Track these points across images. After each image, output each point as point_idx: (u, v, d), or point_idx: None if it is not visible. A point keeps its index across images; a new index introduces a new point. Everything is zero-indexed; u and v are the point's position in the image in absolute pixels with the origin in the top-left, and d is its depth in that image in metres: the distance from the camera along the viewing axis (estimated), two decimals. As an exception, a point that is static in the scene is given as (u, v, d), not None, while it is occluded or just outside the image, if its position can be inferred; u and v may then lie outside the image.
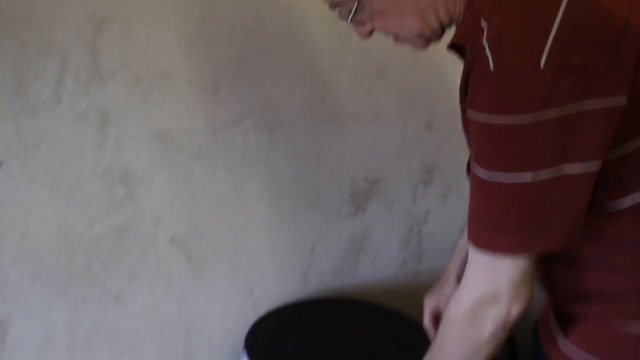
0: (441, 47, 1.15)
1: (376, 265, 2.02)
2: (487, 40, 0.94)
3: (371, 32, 1.13)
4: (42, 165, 1.51)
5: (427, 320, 1.50)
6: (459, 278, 1.45)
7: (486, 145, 0.98)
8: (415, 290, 2.03)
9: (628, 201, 1.01)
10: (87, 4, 1.44)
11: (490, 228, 1.00)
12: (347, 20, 1.10)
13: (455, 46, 1.09)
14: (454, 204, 2.05)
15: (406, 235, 2.03)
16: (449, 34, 1.10)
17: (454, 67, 1.19)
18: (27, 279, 1.58)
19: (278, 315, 1.82)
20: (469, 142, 1.07)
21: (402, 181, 1.96)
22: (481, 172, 0.98)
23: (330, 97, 1.76)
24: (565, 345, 1.14)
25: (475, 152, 1.00)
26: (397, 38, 1.13)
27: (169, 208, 1.68)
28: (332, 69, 1.73)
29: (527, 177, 0.94)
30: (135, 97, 1.55)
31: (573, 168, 0.94)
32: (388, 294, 2.08)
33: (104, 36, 1.47)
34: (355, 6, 1.07)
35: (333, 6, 1.11)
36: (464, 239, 1.46)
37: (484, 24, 0.97)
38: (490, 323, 1.05)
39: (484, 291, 1.04)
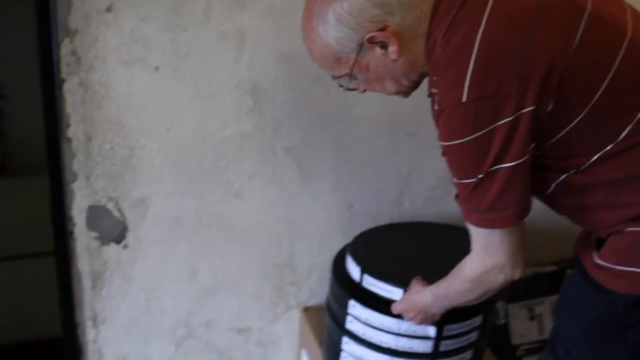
0: None
1: (464, 196, 2.24)
2: (436, 87, 1.31)
3: (363, 90, 1.47)
4: (189, 72, 1.83)
5: None
6: None
7: (449, 162, 1.34)
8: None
9: (592, 158, 1.33)
10: (237, -60, 1.73)
11: (474, 211, 1.35)
12: (345, 88, 1.45)
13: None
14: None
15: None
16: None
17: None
18: (167, 166, 1.92)
19: (375, 232, 2.06)
20: None
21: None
22: (455, 181, 1.36)
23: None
24: (596, 257, 1.44)
25: (451, 168, 1.36)
26: (384, 93, 1.47)
27: (287, 120, 1.96)
28: None
29: (479, 177, 1.30)
30: (268, 22, 1.83)
31: (508, 165, 1.28)
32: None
33: (248, -31, 1.77)
34: (348, 79, 1.41)
35: (333, 78, 1.44)
36: None
37: (434, 78, 1.32)
38: (494, 287, 1.44)
39: (488, 262, 1.40)
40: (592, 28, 1.26)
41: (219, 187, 1.99)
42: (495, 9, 1.25)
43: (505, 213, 1.33)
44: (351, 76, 1.40)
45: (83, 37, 1.70)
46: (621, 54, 1.28)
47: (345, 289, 1.84)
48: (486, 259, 1.40)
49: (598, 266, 1.42)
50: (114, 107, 1.81)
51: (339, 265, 1.94)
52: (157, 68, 1.80)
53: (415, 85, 1.43)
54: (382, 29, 1.30)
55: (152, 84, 1.81)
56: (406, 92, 1.46)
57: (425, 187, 2.19)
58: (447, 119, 1.28)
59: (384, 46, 1.33)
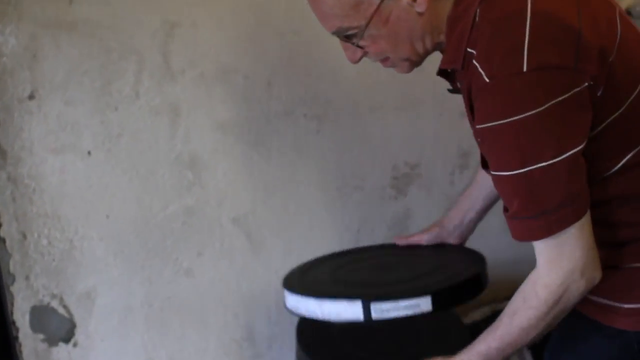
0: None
1: (417, 243, 2.21)
2: (477, 60, 1.13)
3: (361, 57, 1.29)
4: (123, 153, 1.75)
5: (418, 237, 1.67)
6: (456, 216, 1.64)
7: (500, 150, 1.14)
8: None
9: (616, 166, 1.21)
10: (160, 12, 1.67)
11: (542, 215, 1.14)
12: (353, 43, 1.24)
13: (443, 71, 1.29)
14: (488, 188, 2.23)
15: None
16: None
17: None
18: (111, 254, 1.81)
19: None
20: (480, 147, 1.28)
21: (439, 165, 2.15)
22: (507, 174, 1.14)
23: (372, 88, 1.97)
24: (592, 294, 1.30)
25: (492, 159, 1.17)
26: (385, 61, 1.31)
27: (231, 191, 1.90)
28: (372, 62, 1.93)
29: (547, 163, 1.11)
30: (200, 92, 1.77)
31: (576, 149, 1.13)
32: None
33: (174, 39, 1.71)
34: (359, 35, 1.22)
35: (339, 33, 1.24)
36: (465, 194, 1.64)
37: (470, 50, 1.16)
38: (578, 295, 1.20)
39: (565, 268, 1.18)
40: (625, 28, 1.20)
41: (167, 268, 1.89)
42: None
43: (579, 203, 1.15)
44: (365, 29, 1.21)
45: (6, 129, 1.61)
46: None
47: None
48: (563, 264, 1.18)
49: (597, 304, 1.30)
50: (47, 199, 1.70)
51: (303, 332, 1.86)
52: (89, 153, 1.71)
53: (425, 54, 1.28)
54: None
55: (86, 169, 1.72)
56: (416, 61, 1.29)
57: (376, 238, 2.15)
58: (505, 90, 1.11)
59: None
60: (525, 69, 1.09)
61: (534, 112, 1.09)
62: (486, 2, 1.16)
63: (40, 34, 1.57)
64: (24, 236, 1.70)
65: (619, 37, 1.18)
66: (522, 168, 1.12)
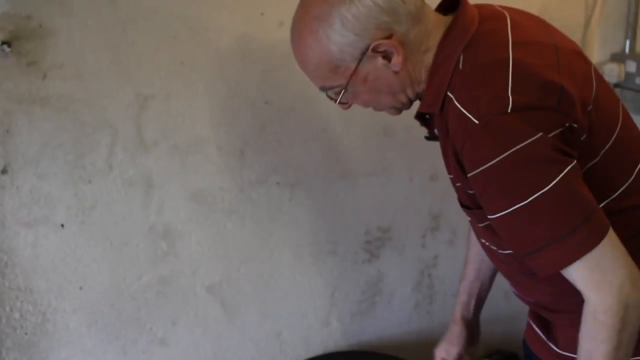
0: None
1: (392, 306, 2.22)
2: (461, 103, 1.18)
3: (349, 105, 1.35)
4: (97, 225, 1.75)
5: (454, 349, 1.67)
6: (463, 317, 1.66)
7: (504, 185, 1.15)
8: (430, 332, 2.24)
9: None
10: (133, 85, 1.69)
11: (569, 236, 1.13)
12: (336, 101, 1.31)
13: (421, 117, 1.36)
14: (461, 248, 2.25)
15: (418, 278, 2.24)
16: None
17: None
18: (85, 326, 1.80)
19: None
20: (460, 190, 1.32)
21: (411, 229, 2.17)
22: (522, 205, 1.13)
23: (342, 155, 1.99)
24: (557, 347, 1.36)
25: (497, 198, 1.16)
26: (374, 109, 1.37)
27: (205, 259, 1.90)
28: (343, 130, 1.97)
29: (542, 191, 1.12)
30: (174, 163, 1.79)
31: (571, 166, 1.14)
32: (406, 335, 2.27)
33: (147, 112, 1.72)
34: (342, 91, 1.28)
35: (324, 90, 1.32)
36: (465, 281, 1.67)
37: (450, 94, 1.22)
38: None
39: (614, 284, 1.14)
40: (599, 83, 1.27)
41: (142, 338, 1.88)
42: (517, 35, 1.22)
43: (598, 217, 1.15)
44: (346, 88, 1.28)
45: (-21, 204, 1.61)
46: (620, 114, 1.30)
47: None
48: (611, 281, 1.14)
49: (562, 358, 1.35)
50: (19, 273, 1.70)
51: None
52: (62, 225, 1.71)
53: (409, 103, 1.34)
54: (388, 37, 1.22)
55: (59, 242, 1.72)
56: (400, 108, 1.35)
57: (351, 302, 2.16)
58: (495, 128, 1.14)
59: (386, 57, 1.24)
60: (509, 109, 1.13)
61: (530, 140, 1.12)
62: (470, 49, 1.22)
63: (14, 110, 1.58)
64: (-4, 310, 1.69)
65: (594, 91, 1.24)
66: (537, 192, 1.12)
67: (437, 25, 1.27)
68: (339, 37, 1.21)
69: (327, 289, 2.11)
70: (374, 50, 1.22)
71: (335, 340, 2.15)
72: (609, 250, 1.14)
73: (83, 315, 1.79)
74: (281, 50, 1.80)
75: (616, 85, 2.19)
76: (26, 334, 1.74)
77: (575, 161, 1.15)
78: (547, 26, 1.33)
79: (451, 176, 1.34)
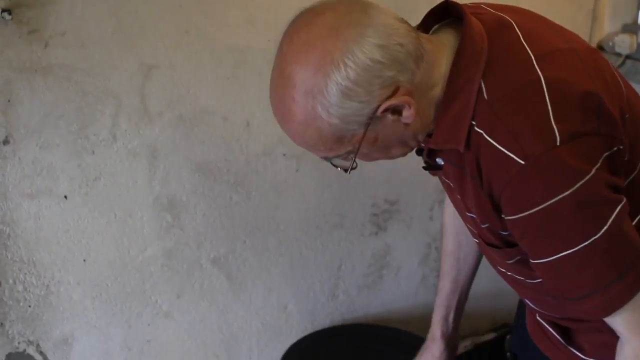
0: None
1: (399, 279, 2.21)
2: (498, 141, 1.04)
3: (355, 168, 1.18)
4: (100, 197, 1.72)
5: None
6: (443, 334, 1.60)
7: (556, 230, 1.05)
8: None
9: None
10: (137, 55, 1.65)
11: (620, 280, 1.06)
12: (347, 170, 1.17)
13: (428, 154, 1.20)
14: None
15: (425, 251, 2.22)
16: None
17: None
18: (89, 298, 1.79)
19: (310, 340, 2.00)
20: (486, 230, 1.19)
21: (418, 201, 2.14)
22: (572, 252, 1.05)
23: (350, 127, 1.96)
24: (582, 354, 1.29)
25: (544, 244, 1.07)
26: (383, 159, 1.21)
27: (210, 232, 1.88)
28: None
29: (593, 238, 1.04)
30: (179, 134, 1.76)
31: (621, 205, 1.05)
32: (412, 309, 2.26)
33: (152, 82, 1.69)
34: (351, 157, 1.13)
35: (327, 159, 1.16)
36: (442, 295, 1.60)
37: (477, 130, 1.07)
38: None
39: None
40: (623, 81, 1.16)
41: (146, 311, 1.87)
42: (534, 47, 1.08)
43: None
44: (355, 154, 1.14)
45: (-20, 175, 1.58)
46: None
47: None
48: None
49: None
50: (22, 245, 1.67)
51: None
52: (66, 197, 1.69)
53: (419, 144, 1.20)
54: (395, 91, 1.07)
55: (62, 214, 1.69)
56: (409, 152, 1.21)
57: (357, 275, 2.14)
58: (545, 168, 1.01)
59: (395, 111, 1.09)
60: (558, 142, 1.01)
61: (583, 181, 1.01)
62: (491, 75, 1.08)
63: (15, 79, 1.55)
64: (-1, 283, 1.67)
65: (624, 92, 1.13)
66: (589, 239, 1.04)
67: (436, 53, 1.11)
68: (341, 109, 1.05)
69: (334, 262, 2.09)
70: (384, 111, 1.08)
71: (341, 313, 2.14)
72: None
73: (87, 287, 1.78)
74: (289, 19, 1.76)
75: (628, 56, 2.15)
76: (30, 306, 1.72)
77: (624, 199, 1.05)
78: (552, 25, 1.18)
79: (471, 215, 1.21)
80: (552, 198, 1.02)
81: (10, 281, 1.69)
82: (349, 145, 1.11)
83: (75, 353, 1.81)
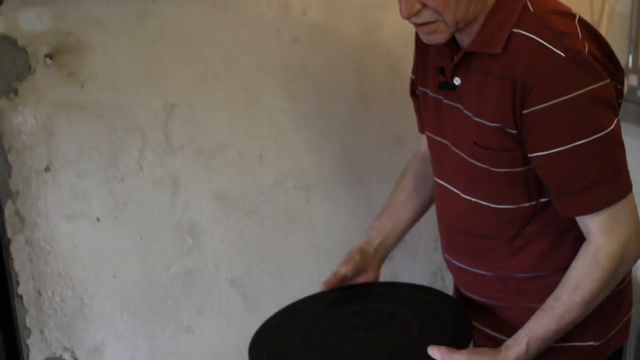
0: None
1: (405, 305, 2.36)
2: (543, 38, 1.25)
3: (415, 13, 1.29)
4: (129, 220, 1.95)
5: (343, 271, 1.62)
6: (362, 249, 1.65)
7: (574, 120, 1.24)
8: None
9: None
10: (161, 95, 1.90)
11: (613, 180, 1.27)
12: None
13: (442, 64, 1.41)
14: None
15: (431, 280, 2.37)
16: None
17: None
18: (118, 311, 2.00)
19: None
20: (485, 131, 1.35)
21: (423, 232, 2.30)
22: (581, 143, 1.25)
23: (356, 162, 2.16)
24: None
25: (559, 133, 1.26)
26: (430, 24, 1.31)
27: (227, 255, 2.08)
28: (355, 138, 2.14)
29: (603, 132, 1.25)
30: (198, 165, 1.98)
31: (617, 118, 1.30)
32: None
33: (174, 119, 1.93)
34: None
35: None
36: (379, 220, 1.69)
37: (521, 32, 1.28)
38: (634, 260, 1.34)
39: (624, 235, 1.29)
40: None
41: (169, 325, 2.07)
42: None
43: (626, 173, 1.30)
44: None
45: (25, 197, 1.83)
46: None
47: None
48: (621, 231, 1.29)
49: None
50: (60, 261, 1.91)
51: None
52: (98, 219, 1.92)
53: (455, 26, 1.32)
54: None
55: (95, 234, 1.93)
56: (456, 30, 1.33)
57: (368, 301, 2.30)
58: (580, 63, 1.24)
59: None
60: (586, 51, 1.25)
61: (604, 82, 1.25)
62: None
63: (55, 115, 1.80)
64: (39, 293, 1.90)
65: None
66: (600, 132, 1.25)
67: None
68: None
69: (343, 287, 2.25)
70: None
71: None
72: (628, 205, 1.29)
73: (116, 301, 1.99)
74: (296, 64, 2.00)
75: (620, 98, 2.31)
76: (66, 316, 1.95)
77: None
78: None
79: (479, 120, 1.36)
80: (580, 89, 1.23)
81: (50, 293, 1.92)
82: None
83: (105, 360, 2.02)
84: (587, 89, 1.23)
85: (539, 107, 1.26)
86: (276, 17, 1.95)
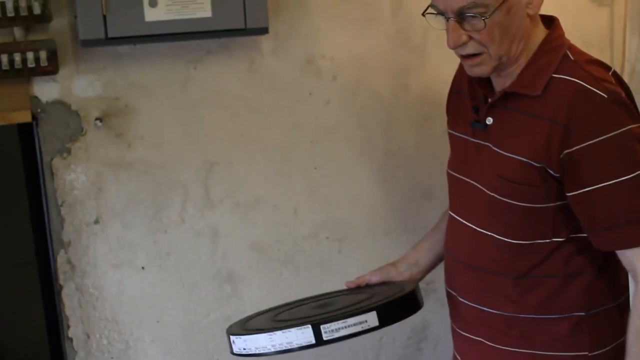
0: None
1: (437, 352, 2.44)
2: (585, 82, 1.37)
3: (461, 45, 1.39)
4: (172, 269, 2.10)
5: (368, 277, 1.78)
6: (410, 257, 1.80)
7: (616, 157, 1.34)
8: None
9: None
10: (202, 153, 2.05)
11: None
12: (469, 23, 1.37)
13: (477, 103, 1.52)
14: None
15: (462, 328, 2.45)
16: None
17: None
18: (161, 355, 2.14)
19: None
20: (523, 169, 1.43)
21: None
22: (619, 180, 1.34)
23: (385, 215, 2.26)
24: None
25: (603, 170, 1.35)
26: (476, 57, 1.42)
27: (264, 302, 2.19)
28: (385, 193, 2.25)
29: None
30: (236, 218, 2.12)
31: None
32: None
33: (213, 175, 2.08)
34: (484, 15, 1.34)
35: (465, 10, 1.35)
36: (433, 233, 1.81)
37: (561, 77, 1.40)
38: None
39: None
40: None
41: (209, 369, 2.19)
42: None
43: None
44: (493, 12, 1.34)
45: (76, 247, 1.99)
46: None
47: None
48: None
49: None
50: (107, 306, 2.06)
51: None
52: (143, 268, 2.07)
53: (506, 62, 1.43)
54: None
55: (140, 282, 2.08)
56: (500, 64, 1.43)
57: (397, 346, 2.38)
58: (620, 104, 1.36)
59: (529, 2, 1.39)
60: (623, 95, 1.39)
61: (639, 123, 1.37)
62: (572, 47, 1.45)
63: (105, 172, 1.97)
64: (88, 336, 2.05)
65: None
66: (635, 171, 1.35)
67: (538, 23, 1.46)
68: None
69: (375, 334, 2.32)
70: None
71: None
72: None
73: (160, 345, 2.13)
74: (327, 124, 2.14)
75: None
76: (112, 358, 2.09)
77: None
78: None
79: (509, 155, 1.44)
80: (622, 127, 1.33)
81: (97, 336, 2.07)
82: (496, 2, 1.34)
83: (149, 401, 2.15)
84: (628, 127, 1.34)
85: (584, 144, 1.34)
86: (308, 82, 2.09)
